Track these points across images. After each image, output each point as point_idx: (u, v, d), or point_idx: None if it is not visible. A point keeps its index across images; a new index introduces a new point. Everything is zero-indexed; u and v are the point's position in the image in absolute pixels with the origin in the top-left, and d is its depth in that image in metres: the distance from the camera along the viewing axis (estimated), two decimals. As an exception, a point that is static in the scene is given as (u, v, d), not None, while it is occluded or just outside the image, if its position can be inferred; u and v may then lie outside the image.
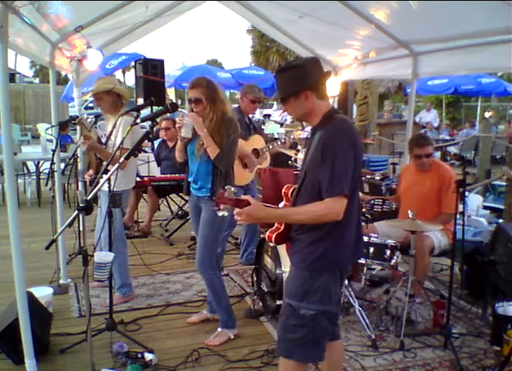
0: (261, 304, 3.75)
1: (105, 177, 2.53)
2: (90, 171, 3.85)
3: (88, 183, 3.81)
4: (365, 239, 3.69)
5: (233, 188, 1.98)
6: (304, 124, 4.78)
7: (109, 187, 3.09)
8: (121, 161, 2.41)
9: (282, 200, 2.41)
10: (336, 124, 2.05)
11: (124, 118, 3.46)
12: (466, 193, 3.74)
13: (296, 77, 2.06)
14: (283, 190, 2.31)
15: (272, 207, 2.18)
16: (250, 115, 4.80)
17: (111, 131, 3.72)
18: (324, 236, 2.04)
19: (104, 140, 3.93)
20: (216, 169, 3.14)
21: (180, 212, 6.40)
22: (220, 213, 1.98)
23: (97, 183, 2.41)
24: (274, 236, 2.17)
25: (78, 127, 4.80)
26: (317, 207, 1.98)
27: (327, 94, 2.15)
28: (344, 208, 1.97)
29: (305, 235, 2.08)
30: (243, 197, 2.03)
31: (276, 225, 2.20)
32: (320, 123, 2.10)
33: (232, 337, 3.33)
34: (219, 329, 3.35)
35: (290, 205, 2.21)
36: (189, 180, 3.35)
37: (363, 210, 4.04)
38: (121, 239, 3.83)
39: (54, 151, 4.06)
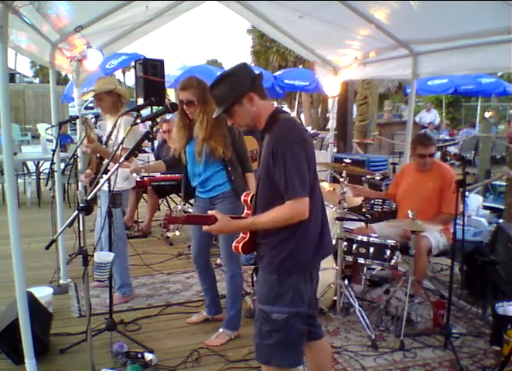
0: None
1: (105, 177, 2.53)
2: (88, 171, 3.84)
3: (88, 184, 3.79)
4: (365, 239, 3.70)
5: (179, 207, 2.02)
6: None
7: (109, 187, 3.09)
8: (121, 161, 2.41)
9: None
10: (281, 125, 2.03)
11: (124, 118, 3.49)
12: (466, 193, 3.74)
13: (233, 84, 2.03)
14: (242, 198, 2.28)
15: (238, 217, 2.18)
16: None
17: (111, 131, 3.72)
18: (288, 238, 2.04)
19: (104, 140, 3.93)
20: (227, 165, 3.15)
21: (180, 212, 6.39)
22: (170, 234, 2.03)
23: (98, 183, 2.42)
24: (240, 246, 2.15)
25: (78, 127, 4.82)
26: (281, 212, 1.98)
27: (266, 93, 2.13)
28: (307, 207, 1.98)
29: (270, 239, 2.08)
30: (210, 213, 2.07)
31: (242, 234, 2.18)
32: (266, 126, 2.08)
33: (233, 337, 3.33)
34: (221, 330, 3.35)
35: (252, 212, 2.20)
36: (193, 185, 3.29)
37: (363, 210, 4.05)
38: (121, 239, 3.83)
39: (54, 151, 4.06)
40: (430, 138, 4.02)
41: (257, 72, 2.13)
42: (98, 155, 3.80)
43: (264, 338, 2.09)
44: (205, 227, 2.07)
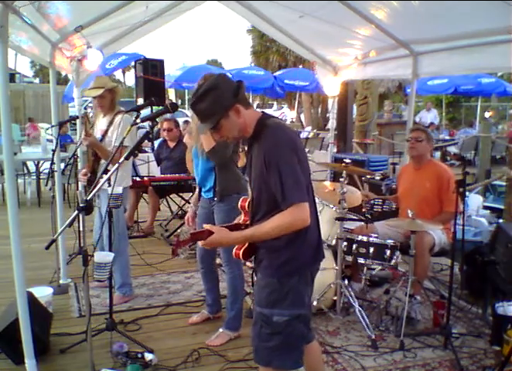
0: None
1: (105, 177, 2.52)
2: (84, 171, 3.84)
3: (86, 183, 3.79)
4: (365, 239, 3.70)
5: (184, 228, 1.98)
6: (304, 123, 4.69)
7: (110, 186, 3.08)
8: (120, 161, 2.41)
9: None
10: (270, 132, 1.97)
11: (125, 116, 3.61)
12: (466, 193, 3.74)
13: (217, 98, 1.95)
14: (239, 203, 2.23)
15: (236, 227, 2.11)
16: None
17: (107, 129, 3.76)
18: (288, 242, 2.01)
19: (99, 137, 3.93)
20: (215, 168, 3.15)
21: (180, 212, 6.40)
22: (182, 256, 1.99)
23: (97, 183, 2.41)
24: (241, 252, 2.11)
25: (78, 127, 4.82)
26: (283, 220, 1.92)
27: (248, 101, 2.08)
28: (308, 212, 1.93)
29: (269, 242, 2.04)
30: (204, 227, 2.01)
31: None
32: (254, 133, 2.03)
33: (233, 338, 3.33)
34: (220, 330, 3.34)
35: (249, 218, 2.16)
36: (199, 184, 3.37)
37: (363, 210, 4.04)
38: (123, 237, 3.85)
39: (54, 151, 4.07)
40: (420, 126, 3.98)
41: (235, 80, 2.04)
42: (92, 155, 3.81)
43: (264, 341, 2.07)
44: (201, 242, 2.01)
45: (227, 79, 2.03)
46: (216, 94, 1.95)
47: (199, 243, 2.04)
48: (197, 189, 3.47)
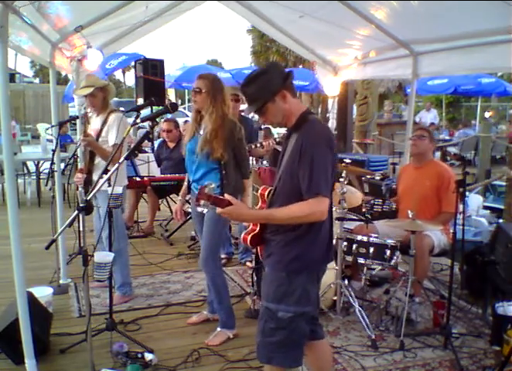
0: (260, 304, 3.74)
1: (105, 177, 2.52)
2: (79, 175, 3.81)
3: (83, 184, 3.76)
4: (365, 239, 3.70)
5: (213, 185, 1.98)
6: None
7: (110, 186, 3.08)
8: (121, 161, 2.41)
9: None
10: (311, 125, 2.04)
11: (116, 114, 3.63)
12: (466, 193, 3.74)
13: (266, 82, 2.03)
14: (259, 191, 2.27)
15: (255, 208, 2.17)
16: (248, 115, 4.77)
17: (101, 128, 3.73)
18: (300, 237, 2.03)
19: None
20: (220, 165, 3.16)
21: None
22: (200, 209, 1.98)
23: (97, 183, 2.41)
24: (249, 237, 2.13)
25: (78, 126, 4.82)
26: (302, 207, 1.95)
27: (296, 92, 2.15)
28: (327, 208, 1.96)
29: (281, 236, 2.07)
30: (225, 197, 2.02)
31: (251, 226, 2.16)
32: (295, 124, 2.09)
33: (231, 337, 3.33)
34: (218, 329, 3.35)
35: (266, 207, 2.19)
36: (190, 180, 3.35)
37: (363, 210, 4.04)
38: (123, 236, 3.85)
39: (54, 151, 4.06)
40: (422, 126, 4.00)
41: (287, 70, 2.14)
42: (88, 156, 3.81)
43: (267, 336, 2.10)
44: (218, 209, 2.03)
45: (278, 67, 2.16)
46: (265, 79, 2.04)
47: (217, 210, 2.03)
48: (185, 183, 3.47)
